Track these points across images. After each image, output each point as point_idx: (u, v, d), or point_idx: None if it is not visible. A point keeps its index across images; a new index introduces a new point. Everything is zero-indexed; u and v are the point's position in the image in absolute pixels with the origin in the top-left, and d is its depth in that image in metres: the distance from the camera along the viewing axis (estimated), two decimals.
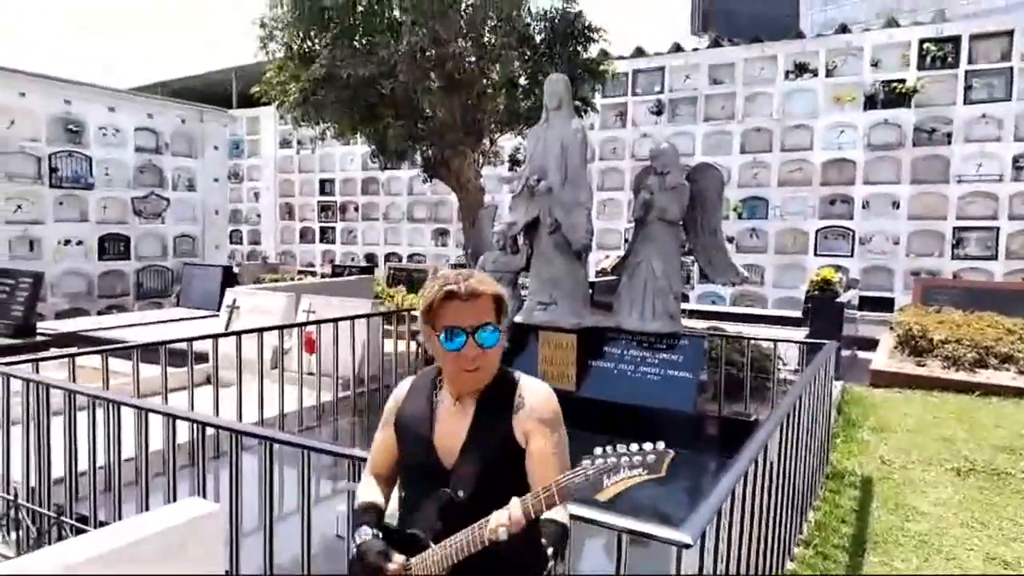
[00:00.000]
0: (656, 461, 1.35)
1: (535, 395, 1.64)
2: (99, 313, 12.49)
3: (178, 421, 3.49)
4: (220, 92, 19.57)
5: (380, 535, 1.61)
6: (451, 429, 1.64)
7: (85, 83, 13.47)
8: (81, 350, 5.01)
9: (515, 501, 1.41)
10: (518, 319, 5.68)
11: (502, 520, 1.39)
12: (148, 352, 5.25)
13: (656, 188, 5.45)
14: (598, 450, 1.38)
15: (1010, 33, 11.45)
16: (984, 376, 7.02)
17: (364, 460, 2.61)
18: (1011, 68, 11.36)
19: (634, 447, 1.37)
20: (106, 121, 13.42)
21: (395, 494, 1.78)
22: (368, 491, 1.75)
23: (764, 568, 3.05)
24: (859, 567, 3.67)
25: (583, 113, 8.36)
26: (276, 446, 2.91)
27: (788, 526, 3.57)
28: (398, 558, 1.55)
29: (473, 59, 7.79)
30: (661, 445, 1.37)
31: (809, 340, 5.53)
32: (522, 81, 8.42)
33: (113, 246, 13.52)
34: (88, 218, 13.17)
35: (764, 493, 2.92)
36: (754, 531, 2.78)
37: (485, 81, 8.05)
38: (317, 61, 7.78)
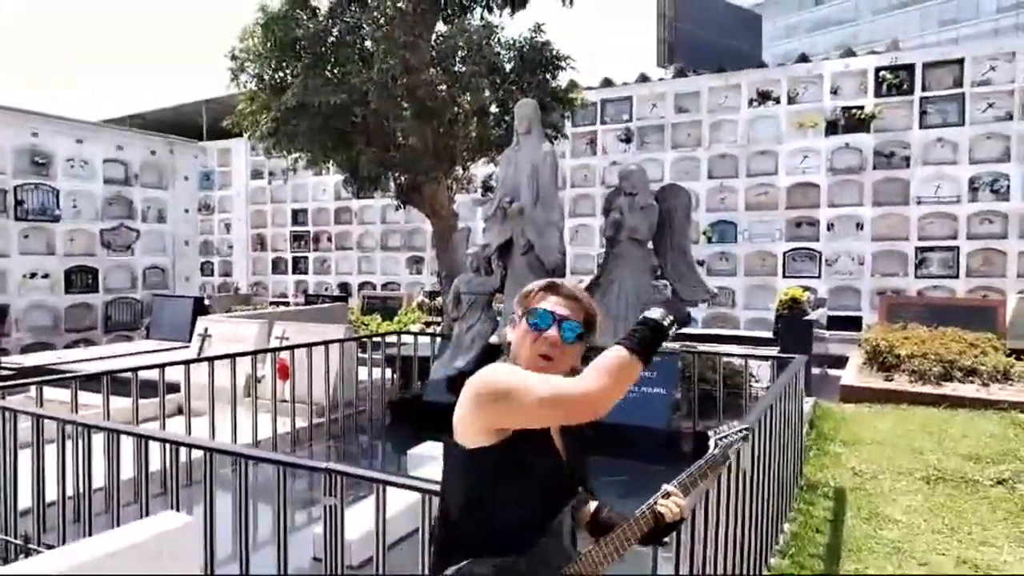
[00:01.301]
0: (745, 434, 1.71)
1: None
2: (66, 347, 12.23)
3: (150, 445, 3.45)
4: (191, 124, 19.52)
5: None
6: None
7: (52, 115, 13.35)
8: (49, 378, 4.91)
9: (672, 489, 1.59)
10: (493, 340, 5.72)
11: (676, 508, 1.55)
12: (118, 384, 5.14)
13: (626, 208, 5.56)
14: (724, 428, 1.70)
15: (960, 61, 11.94)
16: (950, 389, 7.18)
17: (340, 474, 2.62)
18: (963, 94, 11.82)
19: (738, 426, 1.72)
20: (74, 153, 13.27)
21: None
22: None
23: (742, 571, 3.07)
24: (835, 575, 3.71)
25: (553, 140, 8.51)
26: (251, 468, 2.89)
27: (764, 536, 3.60)
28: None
29: (444, 87, 7.90)
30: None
31: (780, 355, 5.62)
32: (493, 109, 8.55)
33: (81, 278, 13.28)
34: (55, 251, 12.94)
35: (739, 501, 2.96)
36: (730, 536, 2.81)
37: (456, 109, 8.16)
38: (288, 91, 7.83)
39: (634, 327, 1.52)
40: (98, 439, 3.62)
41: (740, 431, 1.70)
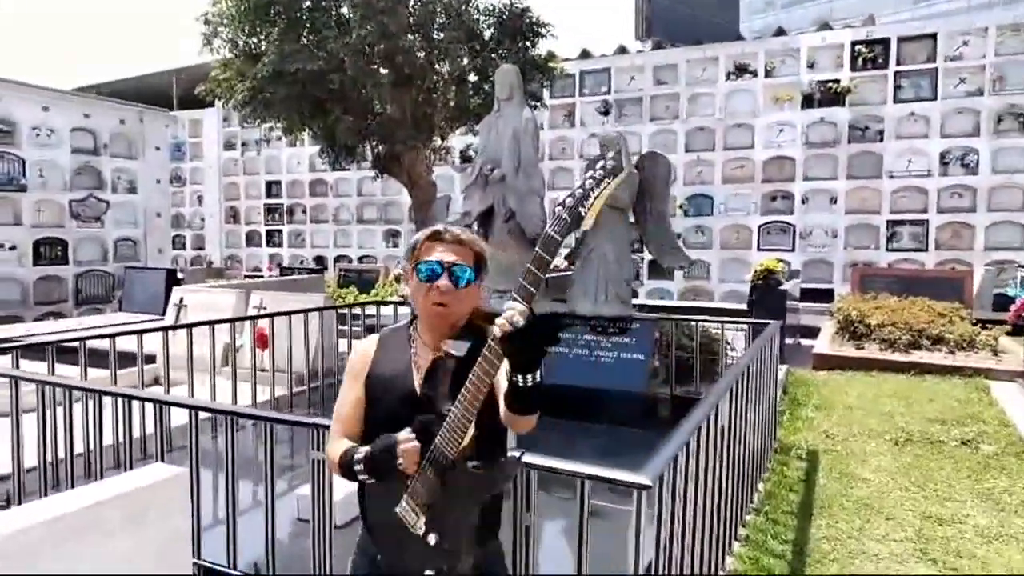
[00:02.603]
0: (614, 163, 1.40)
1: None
2: (36, 320, 12.01)
3: (132, 410, 3.44)
4: (161, 94, 19.09)
5: None
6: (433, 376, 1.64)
7: (16, 81, 12.95)
8: (24, 343, 4.84)
9: (507, 301, 1.40)
10: None
11: (508, 313, 1.36)
12: (94, 357, 5.07)
13: None
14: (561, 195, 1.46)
15: (934, 36, 12.07)
16: (918, 356, 7.37)
17: (326, 428, 2.64)
18: (936, 69, 11.97)
19: (589, 174, 1.41)
20: (40, 121, 12.91)
21: None
22: (344, 443, 1.66)
23: (718, 529, 3.16)
24: (807, 530, 3.83)
25: (533, 108, 8.49)
26: (233, 435, 2.89)
27: (740, 494, 3.70)
28: (405, 431, 1.50)
29: (422, 54, 7.82)
30: (610, 154, 1.40)
31: (754, 321, 5.72)
32: (472, 77, 8.49)
33: (49, 250, 13.00)
34: (22, 221, 12.63)
35: (717, 456, 3.03)
36: (709, 486, 2.89)
37: (435, 76, 8.08)
38: (264, 58, 7.69)
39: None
40: (78, 405, 3.60)
41: (601, 172, 1.39)
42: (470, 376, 1.46)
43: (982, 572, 3.35)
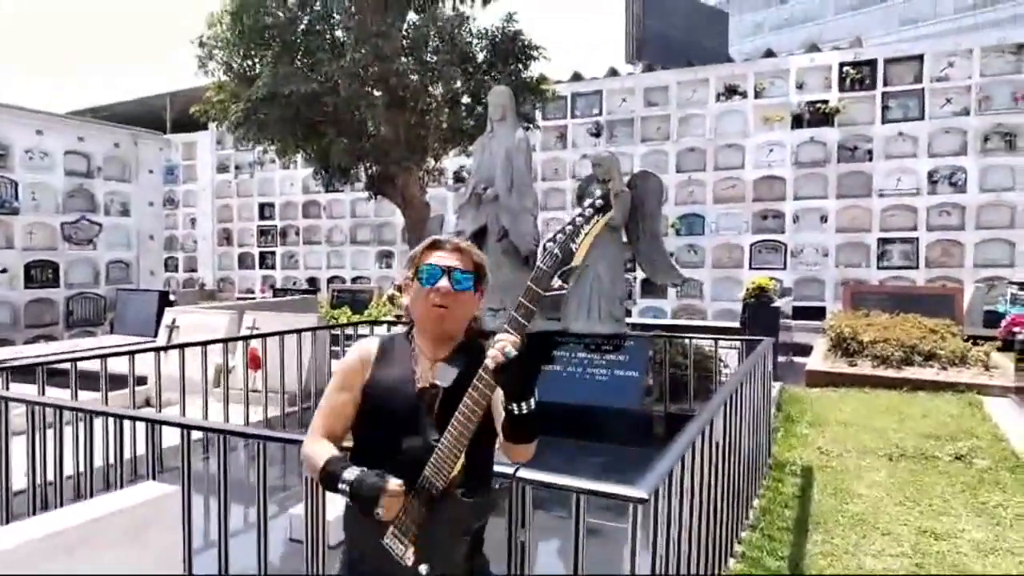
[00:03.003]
0: (603, 203, 1.50)
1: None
2: (26, 343, 11.94)
3: (124, 431, 3.42)
4: (155, 117, 19.14)
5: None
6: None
7: (10, 105, 13.00)
8: (12, 364, 4.81)
9: (500, 331, 1.46)
10: None
11: (500, 345, 1.42)
12: (85, 380, 5.02)
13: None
14: (548, 240, 1.52)
15: (920, 58, 12.26)
16: (911, 373, 7.40)
17: None
18: (923, 89, 12.13)
19: (578, 211, 1.52)
20: (33, 144, 12.96)
21: None
22: (326, 448, 1.65)
23: (714, 545, 3.15)
24: (803, 546, 3.82)
25: (526, 130, 8.57)
26: (225, 455, 2.87)
27: (735, 510, 3.70)
28: (395, 480, 1.49)
29: (415, 77, 7.89)
30: (598, 192, 1.49)
31: (747, 338, 5.74)
32: (465, 100, 8.56)
33: (41, 273, 12.97)
34: (13, 244, 12.63)
35: (712, 471, 3.03)
36: (705, 501, 2.89)
37: (428, 99, 8.15)
38: (259, 80, 7.75)
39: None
40: (68, 428, 3.57)
41: (589, 210, 1.50)
42: (460, 407, 1.48)
43: None
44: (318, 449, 1.65)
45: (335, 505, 3.11)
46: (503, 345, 1.43)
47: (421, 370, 1.66)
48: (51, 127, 13.36)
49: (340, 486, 1.54)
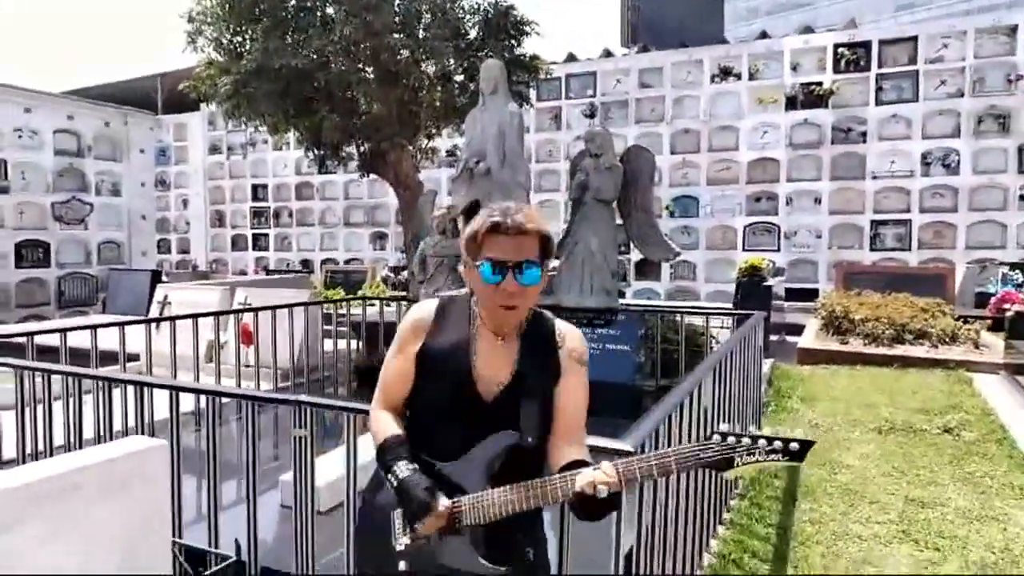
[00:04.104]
0: (799, 450, 1.33)
1: (573, 334, 1.63)
2: (17, 323, 11.88)
3: (114, 397, 3.41)
4: (145, 98, 18.98)
5: (419, 470, 1.51)
6: (494, 364, 1.56)
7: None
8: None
9: (610, 465, 1.37)
10: None
11: (602, 479, 1.35)
12: (75, 358, 4.98)
13: (591, 169, 5.61)
14: (724, 427, 1.38)
15: (915, 39, 12.22)
16: (901, 350, 7.44)
17: (309, 405, 2.63)
18: (917, 71, 12.11)
19: (772, 437, 1.35)
20: (22, 122, 12.83)
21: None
22: (389, 426, 1.60)
23: (703, 511, 3.17)
24: (791, 514, 3.85)
25: (520, 107, 8.52)
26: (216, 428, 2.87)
27: (724, 479, 3.71)
28: (444, 500, 1.46)
29: (407, 52, 7.83)
30: (799, 434, 1.33)
31: (739, 311, 5.76)
32: (458, 77, 8.51)
33: (31, 253, 12.90)
34: (3, 223, 12.54)
35: (700, 435, 3.04)
36: (694, 476, 2.89)
37: (420, 74, 8.09)
38: (248, 54, 7.68)
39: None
40: (58, 404, 3.56)
41: (780, 445, 1.33)
42: (521, 490, 1.42)
43: (963, 551, 3.38)
44: (380, 426, 1.62)
45: (324, 471, 3.12)
46: (600, 483, 1.35)
47: (483, 342, 1.57)
48: (40, 105, 13.22)
49: (390, 476, 1.52)
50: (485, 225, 1.52)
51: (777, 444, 1.33)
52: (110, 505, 1.93)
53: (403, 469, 1.50)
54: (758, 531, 3.62)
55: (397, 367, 1.63)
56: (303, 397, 2.58)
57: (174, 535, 2.78)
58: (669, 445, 2.52)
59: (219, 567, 2.41)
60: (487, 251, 1.50)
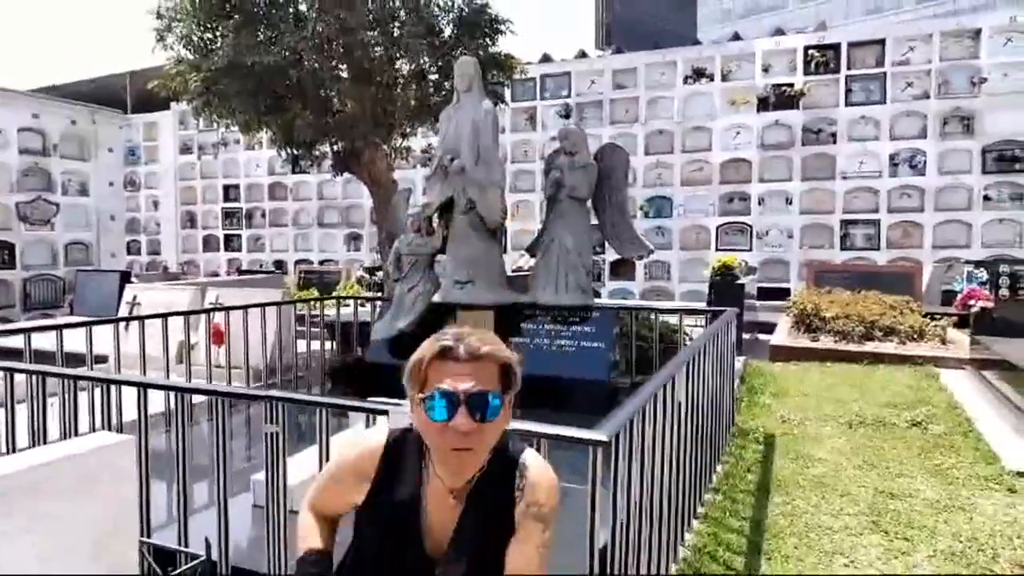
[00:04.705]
0: None
1: (539, 483, 1.39)
2: None
3: (80, 401, 3.34)
4: (114, 97, 18.63)
5: None
6: (445, 520, 1.39)
7: None
8: None
9: None
10: (436, 299, 5.70)
11: None
12: (41, 358, 4.86)
13: (565, 167, 5.61)
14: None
15: (882, 42, 12.45)
16: (871, 347, 7.57)
17: (282, 400, 2.60)
18: (885, 73, 12.33)
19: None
20: None
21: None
22: (311, 536, 1.49)
23: (677, 505, 3.19)
24: (764, 507, 3.89)
25: (495, 106, 8.51)
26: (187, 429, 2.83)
27: (698, 474, 3.74)
28: None
29: (381, 49, 7.78)
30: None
31: (712, 308, 5.81)
32: (432, 76, 8.47)
33: None
34: None
35: (673, 428, 3.06)
36: (666, 457, 2.91)
37: (395, 73, 8.05)
38: (219, 51, 7.58)
39: None
40: (22, 405, 3.47)
41: None
42: None
43: (932, 540, 3.44)
44: (304, 532, 1.51)
45: (296, 469, 3.09)
46: None
47: (434, 498, 1.39)
48: (4, 103, 12.93)
49: None
50: (432, 350, 1.31)
51: None
52: (76, 502, 1.88)
53: None
54: (732, 524, 3.65)
55: (336, 492, 1.48)
56: (275, 392, 2.55)
57: (142, 535, 2.73)
58: (643, 437, 2.54)
59: (188, 566, 2.37)
60: (434, 381, 1.29)
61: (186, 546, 2.72)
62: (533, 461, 1.41)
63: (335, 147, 8.54)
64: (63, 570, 1.82)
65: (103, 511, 1.98)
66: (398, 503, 1.38)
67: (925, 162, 12.07)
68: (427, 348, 1.32)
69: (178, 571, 2.34)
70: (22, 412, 3.57)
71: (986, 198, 11.68)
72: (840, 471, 4.40)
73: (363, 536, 1.44)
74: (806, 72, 12.83)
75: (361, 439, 1.48)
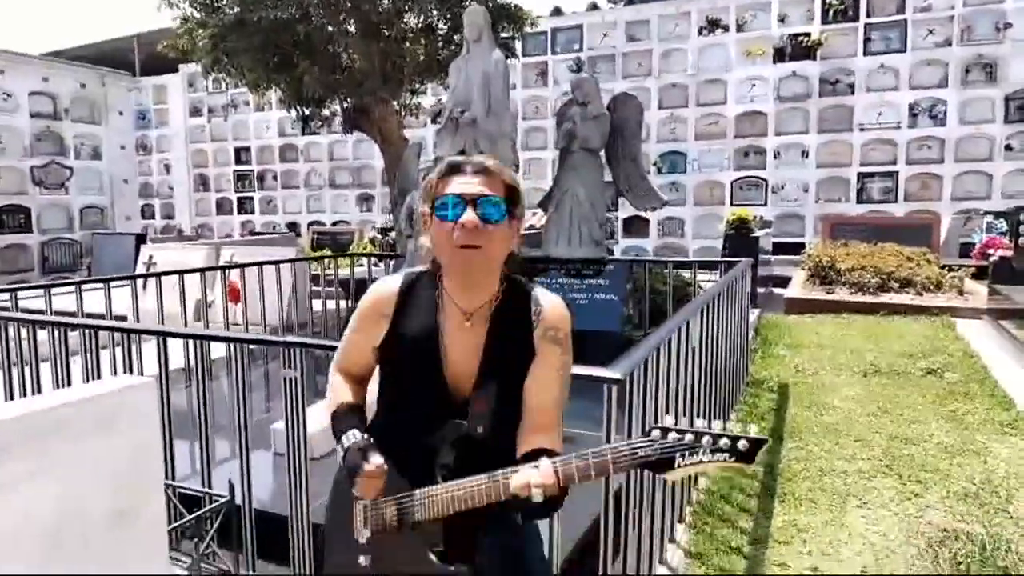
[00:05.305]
0: (748, 450, 1.13)
1: (552, 309, 1.44)
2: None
3: (102, 357, 3.39)
4: (122, 61, 18.51)
5: (369, 439, 1.41)
6: (464, 349, 1.42)
7: None
8: None
9: (549, 464, 1.23)
10: None
11: (536, 482, 1.22)
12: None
13: (578, 118, 5.55)
14: (669, 420, 1.21)
15: None
16: (887, 298, 7.52)
17: (299, 346, 2.63)
18: (905, 20, 11.99)
19: (719, 428, 1.16)
20: None
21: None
22: (343, 391, 1.53)
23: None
24: (777, 452, 3.91)
25: (507, 59, 8.39)
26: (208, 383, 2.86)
27: (711, 420, 3.76)
28: (377, 458, 1.36)
29: (389, 2, 7.65)
30: (753, 429, 1.15)
31: (726, 260, 5.78)
32: (441, 28, 8.34)
33: (12, 218, 12.71)
34: None
35: (687, 372, 3.07)
36: (680, 400, 2.93)
37: (403, 26, 7.93)
38: (226, 7, 7.49)
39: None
40: (46, 364, 3.53)
41: (727, 442, 1.14)
42: (464, 487, 1.30)
43: (945, 483, 3.45)
44: (334, 392, 1.54)
45: (316, 416, 3.13)
46: (535, 486, 1.21)
47: (451, 325, 1.43)
48: (13, 67, 12.89)
49: (336, 447, 1.44)
50: (442, 168, 1.41)
51: (723, 443, 1.14)
52: (99, 441, 1.91)
53: (349, 437, 1.41)
54: (745, 469, 3.67)
55: (356, 343, 1.53)
56: (291, 338, 2.57)
57: (167, 479, 2.79)
58: (658, 376, 2.55)
59: (214, 506, 2.42)
60: (444, 191, 1.37)
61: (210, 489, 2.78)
62: (544, 292, 1.49)
63: (345, 105, 8.47)
64: (90, 506, 1.87)
65: (126, 451, 2.01)
66: (418, 331, 1.43)
67: (945, 112, 11.81)
68: (438, 167, 1.43)
69: (203, 511, 2.40)
70: (46, 370, 3.65)
71: (1008, 148, 11.44)
72: (854, 418, 4.41)
73: (387, 375, 1.50)
74: (824, 21, 12.51)
75: (375, 286, 1.53)
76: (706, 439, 1.15)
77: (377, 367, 1.55)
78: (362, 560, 1.42)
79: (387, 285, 1.50)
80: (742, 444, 1.13)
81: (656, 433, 1.19)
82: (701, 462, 1.15)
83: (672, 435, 1.17)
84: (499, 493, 1.27)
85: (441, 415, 1.39)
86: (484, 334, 1.42)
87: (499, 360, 1.40)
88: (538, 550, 1.57)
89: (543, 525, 1.74)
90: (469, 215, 1.33)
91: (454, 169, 1.39)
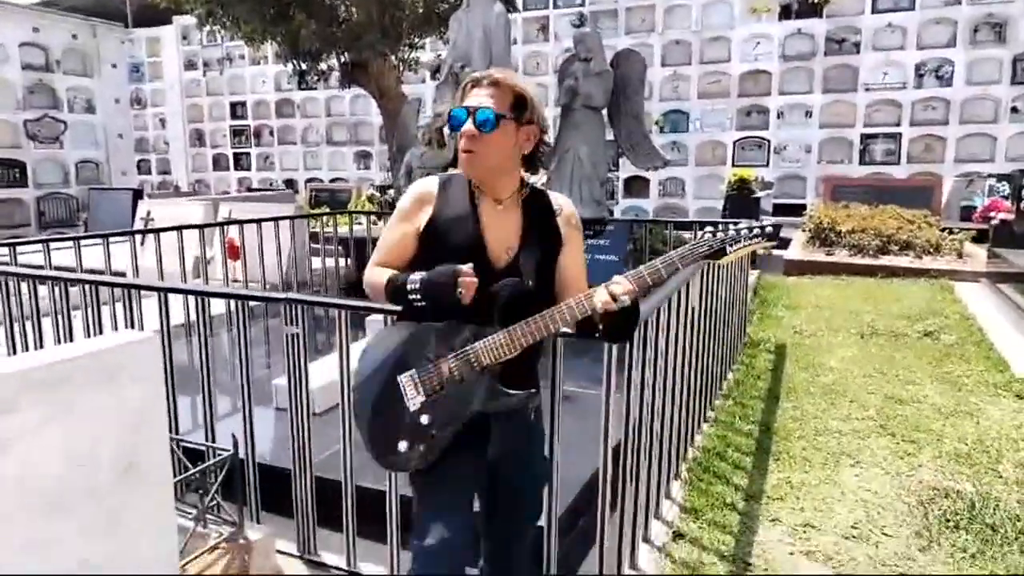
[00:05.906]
0: (774, 232, 1.56)
1: (567, 202, 1.76)
2: None
3: (103, 313, 3.39)
4: (114, 11, 18.09)
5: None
6: (501, 231, 1.66)
7: None
8: None
9: (621, 277, 1.53)
10: None
11: (619, 291, 1.49)
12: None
13: (581, 74, 5.47)
14: (709, 230, 1.60)
15: None
16: (886, 260, 7.53)
17: (300, 302, 2.63)
18: None
19: (751, 226, 1.58)
20: None
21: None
22: (386, 272, 1.67)
23: (688, 407, 3.25)
24: (773, 412, 3.96)
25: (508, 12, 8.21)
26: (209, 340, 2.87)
27: (709, 380, 3.80)
28: (463, 266, 1.53)
29: None
30: (769, 220, 1.49)
31: (726, 220, 5.76)
32: None
33: (7, 173, 12.58)
34: None
35: (687, 330, 3.08)
36: (678, 358, 2.95)
37: None
38: None
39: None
40: (47, 319, 3.54)
41: (758, 230, 1.57)
42: (531, 323, 1.52)
43: (938, 443, 3.51)
44: (377, 272, 1.68)
45: (317, 372, 3.16)
46: (619, 293, 1.48)
47: (485, 208, 1.66)
48: (3, 16, 12.62)
49: (410, 287, 1.57)
50: (467, 81, 1.65)
51: (756, 230, 1.55)
52: (103, 395, 1.93)
53: (417, 274, 1.57)
54: (741, 428, 3.73)
55: (400, 234, 1.69)
56: (294, 295, 2.57)
57: (171, 428, 2.82)
58: (656, 339, 2.56)
59: (218, 459, 2.45)
60: (461, 103, 1.61)
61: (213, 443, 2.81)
62: (554, 192, 1.78)
63: (342, 59, 8.32)
64: (96, 457, 1.89)
65: (130, 405, 2.03)
66: (459, 212, 1.65)
67: (952, 72, 11.63)
68: (462, 85, 1.65)
69: (207, 464, 2.43)
70: (47, 325, 3.66)
71: (1014, 110, 11.30)
72: (850, 379, 4.45)
73: (429, 260, 1.63)
74: None
75: (416, 185, 1.74)
76: (744, 231, 1.56)
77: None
78: (424, 419, 1.58)
79: (427, 181, 1.73)
80: (769, 229, 1.55)
81: (707, 235, 1.57)
82: (745, 246, 1.55)
83: (720, 235, 1.56)
84: (580, 312, 1.50)
85: (485, 281, 1.57)
86: (518, 215, 1.68)
87: (535, 232, 1.66)
88: (542, 450, 1.90)
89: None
90: (468, 125, 1.57)
91: (475, 83, 1.62)
